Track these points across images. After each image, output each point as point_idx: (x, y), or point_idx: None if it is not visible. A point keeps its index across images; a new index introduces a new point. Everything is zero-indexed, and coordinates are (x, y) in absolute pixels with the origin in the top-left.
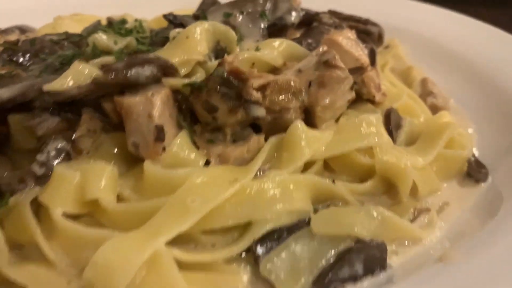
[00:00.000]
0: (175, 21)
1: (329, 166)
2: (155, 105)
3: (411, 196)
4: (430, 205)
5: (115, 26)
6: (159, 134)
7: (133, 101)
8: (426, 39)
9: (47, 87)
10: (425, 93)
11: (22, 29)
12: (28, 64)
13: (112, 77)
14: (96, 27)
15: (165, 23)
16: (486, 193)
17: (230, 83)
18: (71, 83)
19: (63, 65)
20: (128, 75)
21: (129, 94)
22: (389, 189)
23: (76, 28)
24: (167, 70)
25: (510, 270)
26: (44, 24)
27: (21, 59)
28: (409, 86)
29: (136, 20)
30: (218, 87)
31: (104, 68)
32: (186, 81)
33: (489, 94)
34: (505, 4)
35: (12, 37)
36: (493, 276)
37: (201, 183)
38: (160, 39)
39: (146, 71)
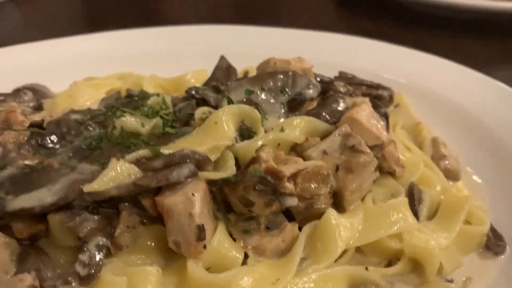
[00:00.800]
0: (196, 96)
1: (359, 248)
2: (195, 205)
3: (437, 274)
4: (454, 282)
5: (138, 102)
6: (201, 234)
7: (173, 201)
8: (431, 92)
9: (87, 188)
10: (437, 156)
11: (34, 89)
12: (56, 147)
13: (154, 181)
14: (115, 100)
15: (179, 81)
16: (506, 265)
17: (267, 181)
18: (110, 184)
19: (92, 150)
20: (169, 176)
21: (168, 192)
22: (415, 267)
23: (93, 94)
24: (203, 163)
25: None
26: (61, 91)
27: (48, 142)
28: (420, 146)
29: (158, 95)
30: (255, 184)
31: (142, 166)
32: (223, 175)
33: (500, 155)
34: (504, 37)
35: (35, 117)
36: None
37: (246, 287)
38: (183, 116)
39: (185, 170)
